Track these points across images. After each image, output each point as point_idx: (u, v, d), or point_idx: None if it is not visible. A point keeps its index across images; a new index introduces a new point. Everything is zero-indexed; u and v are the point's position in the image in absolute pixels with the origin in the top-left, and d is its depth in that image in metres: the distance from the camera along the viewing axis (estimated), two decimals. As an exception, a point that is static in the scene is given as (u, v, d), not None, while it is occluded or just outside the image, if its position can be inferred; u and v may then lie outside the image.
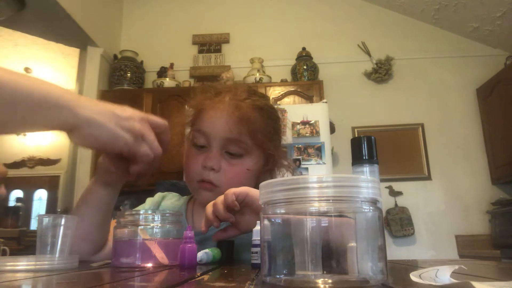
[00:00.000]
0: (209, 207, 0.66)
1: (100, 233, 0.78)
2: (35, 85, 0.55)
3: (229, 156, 0.82)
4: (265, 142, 0.83)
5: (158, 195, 0.99)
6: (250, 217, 0.66)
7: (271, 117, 0.88)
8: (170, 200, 0.97)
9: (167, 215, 0.64)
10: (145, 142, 0.65)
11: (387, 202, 3.18)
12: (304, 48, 3.49)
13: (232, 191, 0.64)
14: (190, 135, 0.87)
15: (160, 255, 0.59)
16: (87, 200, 0.77)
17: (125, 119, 0.62)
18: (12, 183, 4.80)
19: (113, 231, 0.63)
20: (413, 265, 0.60)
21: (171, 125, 0.80)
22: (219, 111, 0.82)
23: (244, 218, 0.66)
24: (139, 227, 0.61)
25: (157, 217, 0.63)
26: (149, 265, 0.58)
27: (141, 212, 0.64)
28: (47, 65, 4.67)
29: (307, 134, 2.64)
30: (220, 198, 0.65)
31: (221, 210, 0.63)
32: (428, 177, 3.30)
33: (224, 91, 0.87)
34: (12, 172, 4.82)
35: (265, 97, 0.95)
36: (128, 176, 0.72)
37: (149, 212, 0.65)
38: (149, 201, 0.99)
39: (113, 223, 0.69)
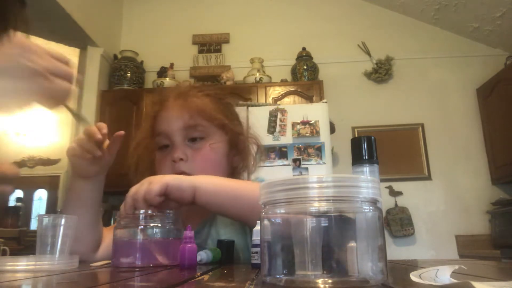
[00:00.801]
0: (130, 193, 0.67)
1: (92, 233, 0.78)
2: None
3: (192, 142, 0.85)
4: (217, 118, 0.87)
5: None
6: (171, 203, 0.69)
7: (219, 101, 0.93)
8: None
9: (167, 215, 0.64)
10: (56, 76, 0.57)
11: (387, 202, 3.18)
12: (304, 48, 3.49)
13: (154, 193, 0.65)
14: (155, 142, 0.90)
15: (160, 255, 0.59)
16: (70, 198, 0.78)
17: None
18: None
19: (113, 231, 0.63)
20: (413, 265, 0.60)
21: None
22: (168, 110, 0.87)
23: (166, 204, 0.69)
24: (139, 227, 0.61)
25: (157, 217, 0.63)
26: (149, 265, 0.58)
27: (141, 212, 0.64)
28: (47, 65, 4.66)
29: (307, 134, 2.64)
30: (142, 192, 0.65)
31: (141, 206, 0.65)
32: (428, 177, 3.30)
33: (169, 92, 0.92)
34: (12, 172, 4.82)
35: (211, 87, 0.98)
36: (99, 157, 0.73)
37: (149, 212, 0.65)
38: None
39: (113, 226, 0.69)
